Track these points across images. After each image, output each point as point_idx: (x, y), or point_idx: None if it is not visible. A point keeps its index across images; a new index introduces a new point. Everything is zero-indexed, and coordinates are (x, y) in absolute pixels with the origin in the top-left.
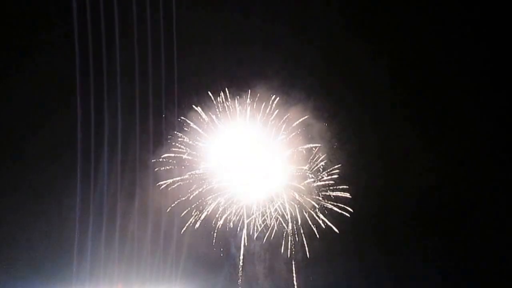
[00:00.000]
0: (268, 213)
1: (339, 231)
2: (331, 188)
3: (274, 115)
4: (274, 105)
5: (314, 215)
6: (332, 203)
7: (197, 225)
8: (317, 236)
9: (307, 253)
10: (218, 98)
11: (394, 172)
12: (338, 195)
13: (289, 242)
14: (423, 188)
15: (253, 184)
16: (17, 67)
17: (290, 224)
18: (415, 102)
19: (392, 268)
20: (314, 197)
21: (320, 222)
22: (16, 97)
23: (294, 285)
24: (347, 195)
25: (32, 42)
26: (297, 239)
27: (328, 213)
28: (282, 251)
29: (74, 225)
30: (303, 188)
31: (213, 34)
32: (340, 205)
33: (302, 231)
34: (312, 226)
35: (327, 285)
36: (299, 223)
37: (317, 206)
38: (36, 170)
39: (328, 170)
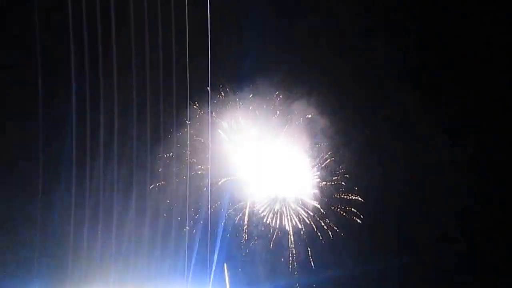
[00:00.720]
0: (270, 213)
1: (345, 234)
2: (339, 189)
3: (276, 111)
4: (276, 100)
5: (318, 218)
6: (339, 206)
7: (196, 224)
8: (321, 238)
9: (310, 255)
10: (218, 93)
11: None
12: (345, 198)
13: (291, 243)
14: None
15: (255, 183)
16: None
17: (291, 225)
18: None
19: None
20: (319, 197)
21: (323, 224)
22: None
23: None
24: (357, 197)
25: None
26: (299, 241)
27: (334, 216)
28: (284, 251)
29: (69, 224)
30: (307, 188)
31: (213, 28)
32: (348, 208)
33: (303, 232)
34: (315, 228)
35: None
36: (302, 224)
37: (322, 209)
38: (28, 167)
39: (334, 170)
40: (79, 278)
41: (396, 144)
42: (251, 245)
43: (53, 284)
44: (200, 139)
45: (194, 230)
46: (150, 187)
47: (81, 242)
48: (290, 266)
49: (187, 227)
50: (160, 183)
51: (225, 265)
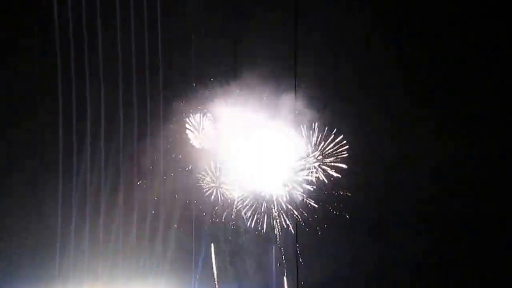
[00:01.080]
0: (258, 208)
1: (333, 230)
2: (327, 184)
3: (264, 103)
4: (264, 93)
5: (305, 214)
6: (327, 201)
7: (183, 221)
8: (309, 233)
9: (298, 251)
10: (205, 87)
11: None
12: (334, 193)
13: (279, 239)
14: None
15: (242, 179)
16: None
17: (279, 220)
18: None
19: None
20: (306, 192)
21: (311, 220)
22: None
23: (283, 280)
24: (345, 192)
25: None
26: (287, 237)
27: (322, 211)
28: (272, 246)
29: (56, 220)
30: (295, 183)
31: (199, 22)
32: (336, 204)
33: (291, 228)
34: (303, 224)
35: (319, 282)
36: (290, 220)
37: (309, 205)
38: (15, 164)
39: (322, 164)
40: (67, 275)
41: (388, 138)
42: (239, 240)
43: (42, 281)
44: (185, 134)
45: (182, 228)
46: (138, 183)
47: (69, 238)
48: (278, 262)
49: (175, 225)
50: (145, 180)
51: (212, 245)
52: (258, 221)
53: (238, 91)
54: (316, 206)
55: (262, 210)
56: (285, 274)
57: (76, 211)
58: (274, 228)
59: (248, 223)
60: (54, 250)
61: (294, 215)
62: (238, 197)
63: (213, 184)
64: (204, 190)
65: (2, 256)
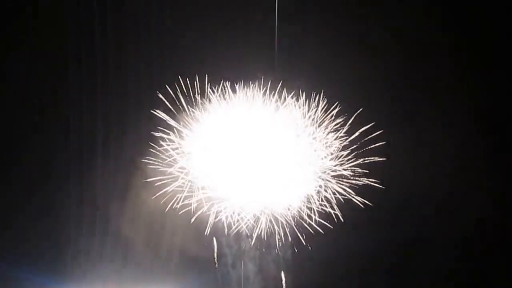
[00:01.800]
0: (259, 212)
1: (331, 238)
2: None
3: (263, 114)
4: (263, 105)
5: (304, 223)
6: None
7: (189, 224)
8: (306, 241)
9: (295, 251)
10: (207, 98)
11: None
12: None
13: (278, 241)
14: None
15: (244, 183)
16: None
17: (279, 229)
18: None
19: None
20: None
21: (306, 225)
22: (6, 97)
23: (282, 284)
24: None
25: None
26: (286, 244)
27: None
28: (272, 249)
29: (67, 227)
30: (294, 193)
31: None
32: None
33: (288, 231)
34: (302, 231)
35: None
36: (288, 228)
37: (308, 214)
38: (26, 169)
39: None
40: (78, 278)
41: (394, 145)
42: (241, 242)
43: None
44: (190, 140)
45: (186, 236)
46: (144, 189)
47: (79, 244)
48: (276, 266)
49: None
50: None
51: (214, 239)
52: (258, 228)
53: (239, 102)
54: (313, 215)
55: (262, 218)
56: (283, 278)
57: (86, 219)
58: (273, 234)
59: (249, 230)
60: (65, 255)
61: (292, 224)
62: (239, 206)
63: (213, 193)
64: (205, 198)
65: (12, 260)
